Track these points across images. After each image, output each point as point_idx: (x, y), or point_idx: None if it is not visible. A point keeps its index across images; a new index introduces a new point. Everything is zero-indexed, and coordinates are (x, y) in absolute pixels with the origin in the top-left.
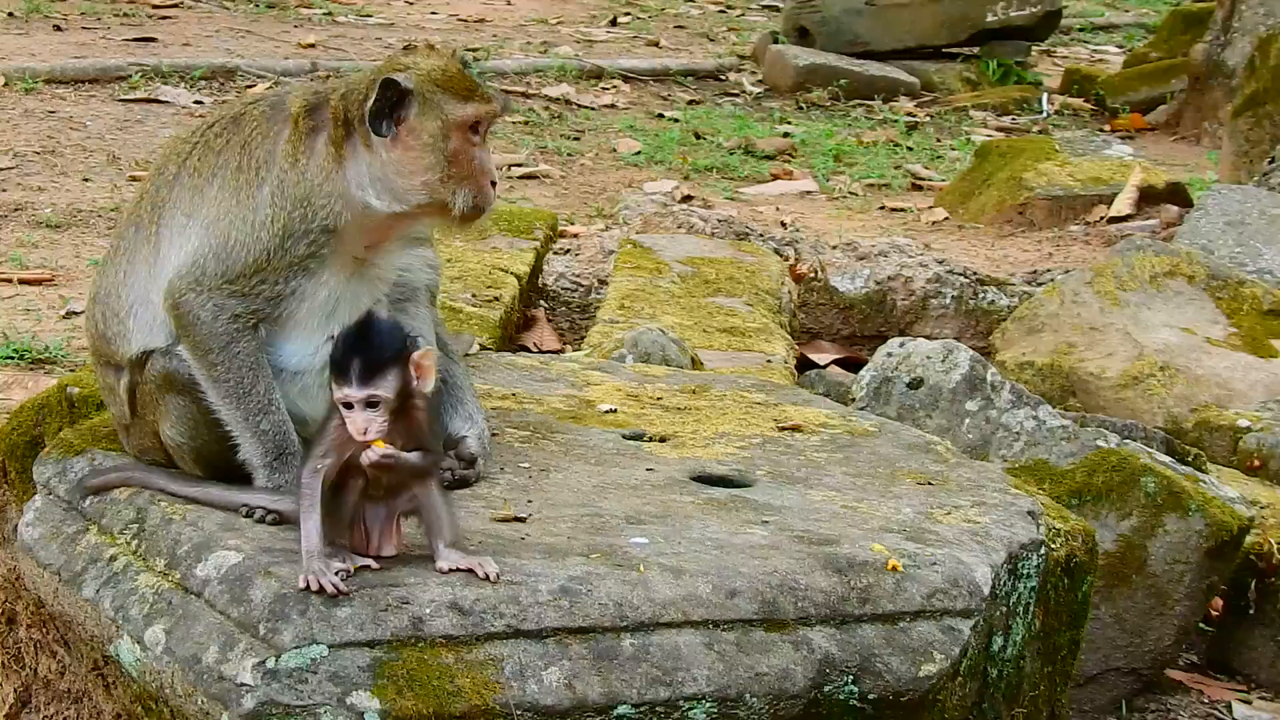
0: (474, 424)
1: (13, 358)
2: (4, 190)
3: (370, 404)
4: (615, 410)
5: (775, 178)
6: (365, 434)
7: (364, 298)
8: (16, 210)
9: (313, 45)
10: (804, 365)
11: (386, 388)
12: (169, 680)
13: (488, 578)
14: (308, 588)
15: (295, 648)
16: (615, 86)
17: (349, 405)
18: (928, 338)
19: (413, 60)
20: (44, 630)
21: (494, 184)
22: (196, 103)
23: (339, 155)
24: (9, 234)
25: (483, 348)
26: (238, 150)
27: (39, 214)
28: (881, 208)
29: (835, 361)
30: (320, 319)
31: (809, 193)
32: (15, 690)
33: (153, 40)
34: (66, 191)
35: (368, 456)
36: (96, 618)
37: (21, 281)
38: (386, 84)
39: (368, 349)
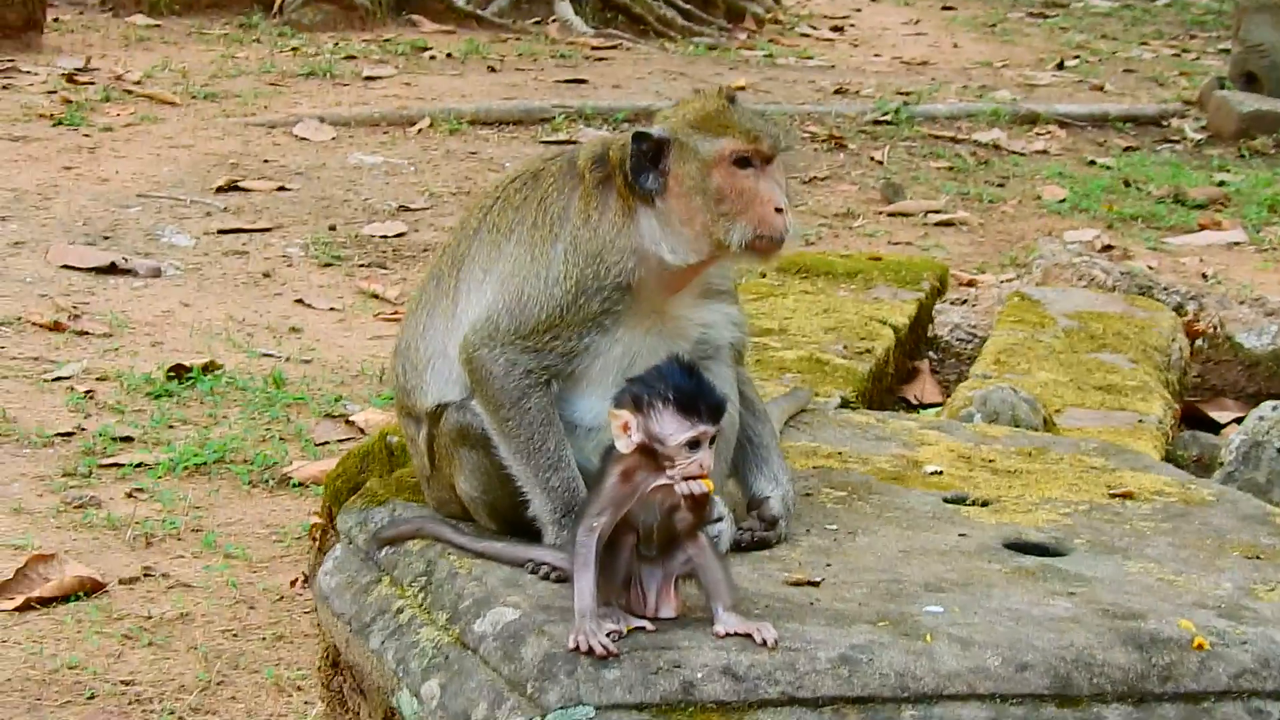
0: (779, 485)
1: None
2: (416, 231)
3: (711, 441)
4: (941, 472)
5: (1203, 228)
6: (704, 470)
7: (661, 354)
8: (425, 251)
9: (742, 88)
10: (1199, 422)
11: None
12: None
13: (765, 643)
14: (577, 648)
15: (561, 708)
16: (1049, 132)
17: (696, 445)
18: None
19: (675, 109)
20: (345, 677)
21: (780, 210)
22: None
23: (629, 209)
24: (415, 274)
25: (844, 402)
26: (534, 206)
27: None
28: None
29: (1237, 420)
30: (615, 375)
31: (1237, 244)
32: None
33: (583, 82)
34: None
35: (689, 487)
36: (381, 669)
37: None
38: (637, 138)
39: (706, 386)
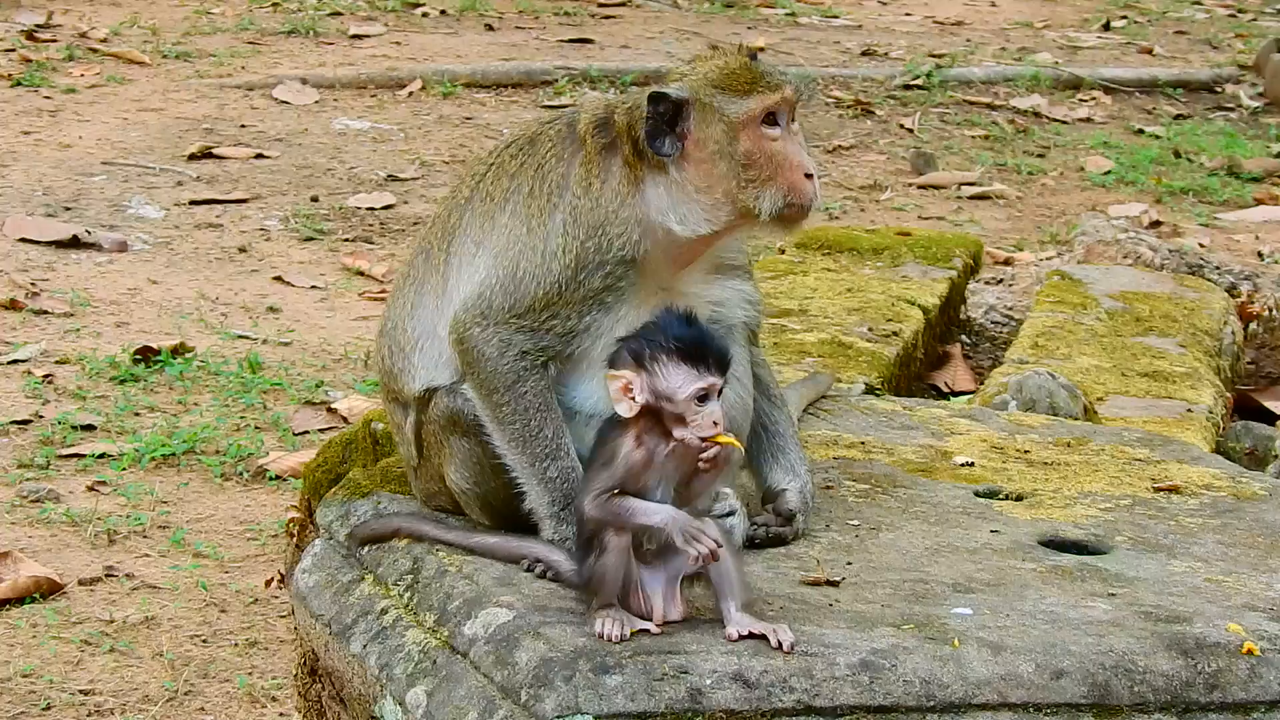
0: (796, 476)
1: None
2: (405, 203)
3: (719, 393)
4: (972, 464)
5: (1259, 202)
6: (720, 427)
7: None
8: (415, 224)
9: (761, 49)
10: (1252, 412)
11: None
12: None
13: (780, 647)
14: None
15: (558, 717)
16: (1094, 98)
17: (705, 398)
18: None
19: (691, 67)
20: (324, 684)
21: (809, 175)
22: None
23: (635, 178)
24: (404, 249)
25: (869, 388)
26: (531, 173)
27: None
28: None
29: None
30: None
31: None
32: None
33: (589, 42)
34: None
35: (714, 450)
36: (363, 675)
37: None
38: (654, 98)
39: (709, 333)
